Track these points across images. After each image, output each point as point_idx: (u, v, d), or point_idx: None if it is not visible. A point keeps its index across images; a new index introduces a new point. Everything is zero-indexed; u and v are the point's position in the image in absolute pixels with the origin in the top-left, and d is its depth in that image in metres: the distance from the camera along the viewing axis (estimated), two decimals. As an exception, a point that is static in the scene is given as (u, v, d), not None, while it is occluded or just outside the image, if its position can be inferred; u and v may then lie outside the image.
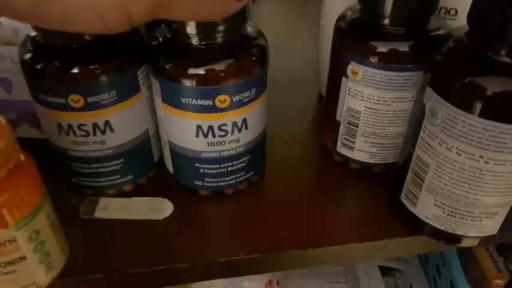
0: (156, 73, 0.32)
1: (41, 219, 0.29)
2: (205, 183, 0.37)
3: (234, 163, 0.36)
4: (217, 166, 0.36)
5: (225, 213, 0.37)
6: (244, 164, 0.36)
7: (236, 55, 0.31)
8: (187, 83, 0.31)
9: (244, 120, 0.33)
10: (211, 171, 0.36)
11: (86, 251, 0.34)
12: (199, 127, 0.33)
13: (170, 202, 0.37)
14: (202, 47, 0.31)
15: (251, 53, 0.32)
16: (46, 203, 0.29)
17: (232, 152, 0.35)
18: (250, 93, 0.32)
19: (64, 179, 0.37)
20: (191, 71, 0.31)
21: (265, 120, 0.37)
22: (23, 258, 0.29)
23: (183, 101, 0.32)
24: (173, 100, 0.32)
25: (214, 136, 0.33)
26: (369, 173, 0.40)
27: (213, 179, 0.36)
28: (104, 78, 0.31)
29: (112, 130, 0.34)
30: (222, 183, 0.37)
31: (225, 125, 0.33)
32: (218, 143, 0.34)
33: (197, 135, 0.33)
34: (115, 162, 0.36)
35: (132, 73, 0.33)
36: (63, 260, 0.32)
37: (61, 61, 0.31)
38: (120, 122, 0.34)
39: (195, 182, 0.37)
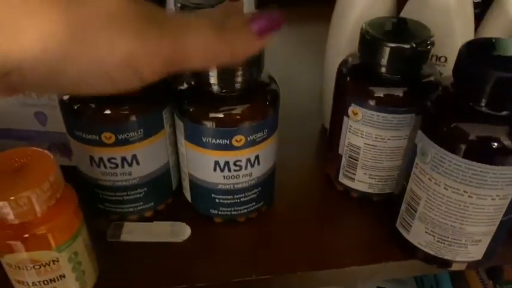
0: (180, 114, 0.37)
1: (79, 243, 0.33)
2: (219, 212, 0.41)
3: (246, 194, 0.40)
4: (231, 197, 0.40)
5: (237, 239, 0.41)
6: (256, 195, 0.40)
7: (251, 100, 0.36)
8: (208, 124, 0.35)
9: (257, 157, 0.38)
10: (225, 201, 0.40)
11: (113, 271, 0.38)
12: (216, 162, 0.37)
13: (188, 226, 0.41)
14: (222, 94, 0.35)
15: (265, 98, 0.37)
16: (83, 229, 0.33)
17: (245, 185, 0.39)
18: (263, 133, 0.37)
19: (92, 206, 0.41)
20: (212, 114, 0.35)
21: (275, 156, 0.41)
22: (62, 276, 0.33)
23: (204, 140, 0.36)
24: (195, 139, 0.36)
25: (229, 170, 0.38)
26: (368, 201, 0.44)
27: (227, 208, 0.40)
28: (133, 118, 0.36)
29: (138, 163, 0.38)
30: (234, 212, 0.41)
31: (240, 161, 0.37)
32: (233, 177, 0.38)
33: (215, 170, 0.38)
34: (139, 190, 0.40)
35: (157, 113, 0.37)
36: (94, 279, 0.36)
37: (95, 103, 0.35)
38: (145, 156, 0.38)
39: (210, 210, 0.41)
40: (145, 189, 0.40)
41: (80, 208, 0.33)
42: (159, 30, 0.22)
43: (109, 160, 0.37)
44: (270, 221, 0.43)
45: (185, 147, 0.38)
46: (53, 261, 0.31)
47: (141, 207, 0.41)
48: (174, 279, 0.37)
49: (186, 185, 0.42)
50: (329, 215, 0.44)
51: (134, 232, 0.41)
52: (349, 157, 0.42)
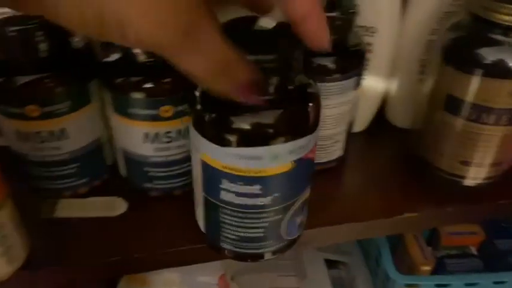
0: (106, 85, 0.36)
1: (4, 215, 0.32)
2: (154, 185, 0.41)
3: (181, 167, 0.40)
4: (165, 169, 0.40)
5: (174, 212, 0.41)
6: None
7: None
8: (134, 95, 0.35)
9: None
10: (159, 174, 0.40)
11: (46, 247, 0.37)
12: (146, 134, 0.37)
13: (124, 200, 0.41)
14: (149, 63, 0.35)
15: None
16: (9, 202, 0.33)
17: (178, 157, 0.39)
18: None
19: (25, 183, 0.41)
20: (138, 84, 0.35)
21: None
22: (-15, 250, 0.32)
23: (131, 111, 0.36)
24: (122, 110, 0.36)
25: (160, 142, 0.38)
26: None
27: (161, 181, 0.40)
28: (58, 89, 0.35)
29: (67, 137, 0.37)
30: (170, 185, 0.41)
31: (170, 132, 0.37)
32: (164, 149, 0.38)
33: (144, 142, 0.38)
34: (71, 166, 0.39)
35: (83, 85, 0.37)
36: (24, 254, 0.36)
37: (19, 74, 0.34)
38: (74, 130, 0.37)
39: (144, 184, 0.41)
40: (77, 164, 0.39)
41: (4, 181, 0.33)
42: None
43: (36, 134, 0.36)
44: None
45: (114, 119, 0.38)
46: (-26, 234, 0.31)
47: (75, 183, 0.40)
48: (108, 251, 0.37)
49: (119, 159, 0.42)
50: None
51: (68, 208, 0.40)
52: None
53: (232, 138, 0.29)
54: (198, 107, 0.30)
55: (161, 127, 0.37)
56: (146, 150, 0.38)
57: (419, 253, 0.58)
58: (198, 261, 0.40)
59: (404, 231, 0.59)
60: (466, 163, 0.41)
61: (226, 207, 0.32)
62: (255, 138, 0.29)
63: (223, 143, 0.29)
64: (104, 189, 0.42)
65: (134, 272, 0.39)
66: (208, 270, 0.59)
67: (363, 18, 0.42)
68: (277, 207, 0.32)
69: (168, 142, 0.38)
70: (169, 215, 0.41)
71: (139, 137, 0.37)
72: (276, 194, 0.31)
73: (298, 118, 0.30)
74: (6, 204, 0.33)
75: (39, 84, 0.35)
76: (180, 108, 0.36)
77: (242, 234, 0.33)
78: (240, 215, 0.32)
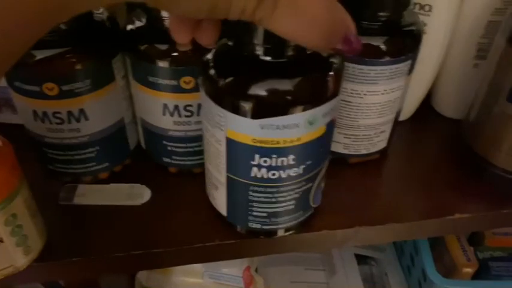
0: (127, 51, 0.34)
1: (18, 204, 0.29)
2: (172, 161, 0.38)
3: (200, 144, 0.37)
4: (184, 145, 0.37)
5: (198, 198, 0.38)
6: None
7: None
8: (153, 61, 0.32)
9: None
10: (178, 150, 0.37)
11: (64, 236, 0.35)
12: (165, 106, 0.34)
13: (148, 188, 0.38)
14: None
15: None
16: (23, 188, 0.30)
17: (198, 133, 0.36)
18: None
19: (42, 166, 0.38)
20: (157, 50, 0.32)
21: None
22: (0, 240, 0.29)
23: (150, 80, 0.33)
24: (141, 78, 0.34)
25: (180, 116, 0.35)
26: (343, 163, 0.41)
27: (180, 157, 0.38)
28: (78, 66, 0.32)
29: (86, 118, 0.34)
30: (189, 162, 0.38)
31: (191, 106, 0.34)
32: (184, 123, 0.35)
33: (164, 114, 0.35)
34: (90, 149, 0.36)
35: (106, 61, 0.33)
36: (40, 244, 0.33)
37: (35, 49, 0.31)
38: (95, 111, 0.34)
39: (163, 158, 0.38)
40: (97, 148, 0.36)
41: (18, 166, 0.30)
42: None
43: (54, 114, 0.33)
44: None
45: (134, 87, 0.35)
46: (-15, 224, 0.28)
47: (94, 168, 0.37)
48: (129, 244, 0.34)
49: (140, 130, 0.39)
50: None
51: (88, 195, 0.38)
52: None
53: (263, 107, 0.26)
54: (212, 73, 0.27)
55: (181, 99, 0.34)
56: (165, 123, 0.35)
57: (461, 253, 0.54)
58: (226, 258, 0.36)
59: (452, 233, 0.55)
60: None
61: (257, 184, 0.30)
62: (291, 104, 0.26)
63: (255, 114, 0.26)
64: (126, 175, 0.39)
65: (158, 266, 0.36)
66: (233, 262, 0.56)
67: (418, -6, 0.37)
68: (308, 176, 0.31)
69: (188, 116, 0.35)
70: (193, 200, 0.38)
71: (159, 108, 0.34)
72: (309, 162, 0.30)
73: (331, 79, 0.28)
74: (21, 192, 0.30)
75: (57, 60, 0.31)
76: None
77: (272, 210, 0.32)
78: (271, 190, 0.31)
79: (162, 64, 0.32)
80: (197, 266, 0.56)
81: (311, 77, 0.27)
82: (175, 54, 0.32)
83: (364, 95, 0.36)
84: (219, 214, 0.35)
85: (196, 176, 0.39)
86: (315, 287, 0.62)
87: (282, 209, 0.32)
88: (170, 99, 0.34)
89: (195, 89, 0.33)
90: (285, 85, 0.26)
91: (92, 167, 0.37)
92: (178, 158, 0.38)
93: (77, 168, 0.37)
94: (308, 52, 0.27)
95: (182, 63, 0.32)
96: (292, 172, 0.30)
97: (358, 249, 0.64)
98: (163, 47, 0.32)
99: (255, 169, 0.29)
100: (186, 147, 0.37)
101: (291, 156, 0.29)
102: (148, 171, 0.40)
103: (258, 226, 0.33)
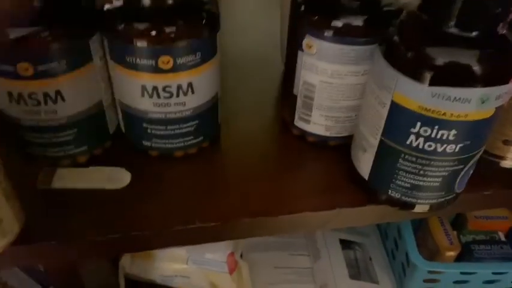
0: (104, 31, 0.33)
1: (-9, 187, 0.29)
2: (153, 144, 0.38)
3: (180, 126, 0.36)
4: (164, 127, 0.36)
5: (179, 180, 0.38)
6: (193, 128, 0.37)
7: (182, 17, 0.32)
8: (129, 40, 0.31)
9: (190, 85, 0.34)
10: (158, 132, 0.37)
11: (43, 220, 0.34)
12: (144, 87, 0.34)
13: (128, 172, 0.37)
14: (150, 6, 0.31)
15: (199, 16, 0.33)
16: (-2, 172, 0.29)
17: (178, 115, 0.36)
18: (195, 57, 0.33)
19: (19, 150, 0.37)
20: (134, 29, 0.31)
21: (216, 87, 0.37)
22: (-27, 224, 0.29)
23: (128, 60, 0.32)
24: (119, 58, 0.33)
25: (159, 97, 0.34)
26: (324, 145, 0.41)
27: (160, 140, 0.37)
28: (53, 46, 0.31)
29: (63, 99, 0.33)
30: (169, 145, 0.38)
31: (169, 86, 0.34)
32: (163, 105, 0.35)
33: (142, 95, 0.34)
34: (68, 132, 0.35)
35: (83, 41, 0.33)
36: (17, 228, 0.32)
37: (9, 27, 0.30)
38: (72, 92, 0.34)
39: (143, 142, 0.38)
40: (75, 130, 0.36)
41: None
42: None
43: (29, 96, 0.33)
44: (213, 159, 0.40)
45: (112, 68, 0.34)
46: (-43, 206, 0.27)
47: (72, 152, 0.37)
48: (109, 226, 0.34)
49: (119, 113, 0.38)
50: (281, 159, 0.41)
51: (67, 178, 0.37)
52: (304, 97, 0.38)
53: (442, 75, 0.27)
54: (396, 37, 0.28)
55: (160, 80, 0.33)
56: (144, 105, 0.35)
57: (444, 237, 0.54)
58: (208, 241, 0.36)
59: (431, 215, 0.55)
60: (508, 142, 0.37)
61: (410, 152, 0.31)
62: (470, 77, 0.27)
63: (429, 80, 0.27)
64: (105, 158, 0.39)
65: (138, 250, 0.36)
66: (217, 247, 0.56)
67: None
68: (462, 157, 0.31)
69: (168, 98, 0.34)
70: (175, 185, 0.37)
71: (137, 89, 0.34)
72: (467, 142, 0.30)
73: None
74: (-5, 174, 0.29)
75: (32, 39, 0.30)
76: (182, 60, 0.32)
77: (417, 182, 0.32)
78: (423, 162, 0.31)
79: (140, 44, 0.31)
80: (181, 252, 0.55)
81: (496, 56, 0.27)
82: (153, 33, 0.31)
83: (346, 75, 0.36)
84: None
85: (177, 160, 0.39)
86: (299, 272, 0.62)
87: (427, 184, 0.32)
88: (148, 80, 0.33)
89: (174, 69, 0.32)
90: (468, 57, 0.27)
91: (70, 150, 0.37)
92: (158, 140, 0.37)
93: (55, 151, 0.36)
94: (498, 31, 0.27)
95: (160, 43, 0.31)
96: (449, 148, 0.30)
97: (342, 234, 0.64)
98: (141, 25, 0.31)
99: (412, 137, 0.30)
100: (166, 130, 0.36)
101: (453, 131, 0.29)
102: (128, 155, 0.39)
103: (397, 195, 0.34)
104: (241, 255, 0.60)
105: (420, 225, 0.57)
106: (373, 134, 0.33)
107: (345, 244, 0.64)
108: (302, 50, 0.36)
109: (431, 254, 0.55)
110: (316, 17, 0.34)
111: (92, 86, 0.35)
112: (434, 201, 0.34)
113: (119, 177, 0.37)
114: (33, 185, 0.36)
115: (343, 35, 0.34)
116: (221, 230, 0.35)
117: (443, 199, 0.34)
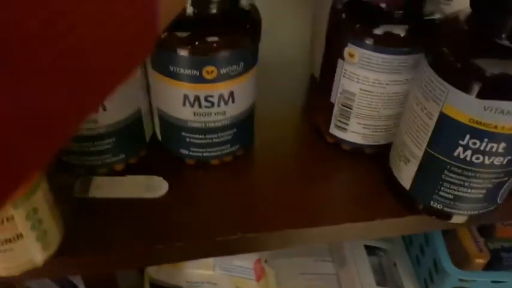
0: None
1: (38, 197, 0.29)
2: (190, 152, 0.38)
3: (219, 135, 0.36)
4: (203, 136, 0.36)
5: (217, 190, 0.38)
6: (230, 137, 0.37)
7: (227, 27, 0.32)
8: (175, 50, 0.31)
9: (232, 94, 0.34)
10: (196, 141, 0.37)
11: (82, 230, 0.34)
12: (186, 96, 0.33)
13: (165, 180, 0.37)
14: (195, 16, 0.31)
15: (243, 26, 0.32)
16: (43, 181, 0.29)
17: (218, 124, 0.35)
18: (239, 66, 0.33)
19: (55, 158, 0.37)
20: (180, 39, 0.31)
21: (254, 95, 0.37)
22: (20, 236, 0.28)
23: (171, 69, 0.32)
24: (162, 67, 0.33)
25: (200, 106, 0.34)
26: (360, 154, 0.41)
27: (198, 149, 0.37)
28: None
29: (104, 108, 0.33)
30: (207, 154, 0.38)
31: (212, 96, 0.33)
32: (204, 114, 0.34)
33: (184, 104, 0.34)
34: (107, 140, 0.35)
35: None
36: (59, 239, 0.32)
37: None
38: (112, 101, 0.33)
39: (181, 150, 0.38)
40: (114, 139, 0.35)
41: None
42: None
43: None
44: (248, 167, 0.40)
45: (152, 77, 0.34)
46: (7, 219, 0.27)
47: (110, 160, 0.37)
48: (148, 238, 0.34)
49: (156, 121, 0.38)
50: (317, 168, 0.41)
51: (104, 187, 0.37)
52: (342, 105, 0.38)
53: (495, 88, 0.27)
54: (445, 48, 0.28)
55: (203, 90, 0.33)
56: (185, 114, 0.35)
57: (473, 244, 0.54)
58: (248, 251, 0.36)
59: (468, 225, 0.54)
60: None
61: (457, 164, 0.31)
62: None
63: (482, 94, 0.27)
64: (141, 167, 0.39)
65: (178, 260, 0.35)
66: (244, 254, 0.56)
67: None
68: (509, 169, 0.31)
69: (209, 107, 0.34)
70: (212, 194, 0.37)
71: (179, 99, 0.34)
72: None
73: None
74: (41, 185, 0.29)
75: None
76: (225, 70, 0.32)
77: (461, 194, 0.32)
78: (469, 173, 0.31)
79: (184, 53, 0.31)
80: (208, 258, 0.55)
81: None
82: (198, 43, 0.31)
83: (387, 84, 0.35)
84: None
85: (213, 169, 0.38)
86: (324, 278, 0.61)
87: (471, 196, 0.32)
88: (191, 89, 0.33)
89: (217, 79, 0.32)
90: None
91: (107, 159, 0.36)
92: (196, 149, 0.37)
93: (92, 160, 0.36)
94: None
95: (206, 53, 0.31)
96: (497, 161, 0.30)
97: (366, 240, 0.64)
98: (186, 35, 0.31)
99: (460, 149, 0.30)
100: (205, 138, 0.36)
101: (502, 144, 0.29)
102: (164, 163, 0.39)
103: (439, 206, 0.33)
104: (265, 261, 0.60)
105: (447, 232, 0.57)
106: (417, 145, 0.32)
107: (370, 250, 0.63)
108: (343, 59, 0.36)
109: (460, 261, 0.54)
110: (358, 25, 0.34)
111: (131, 94, 0.35)
112: (474, 212, 0.34)
113: (156, 186, 0.37)
114: (69, 194, 0.36)
115: (387, 45, 0.33)
116: (261, 241, 0.35)
117: (484, 210, 0.34)
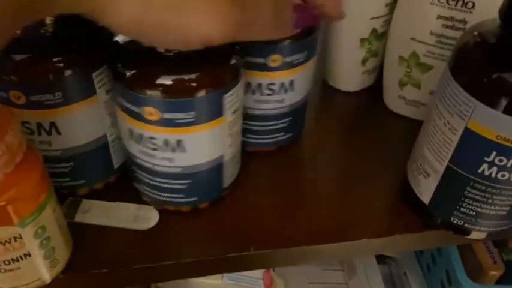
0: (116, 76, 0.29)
1: (46, 215, 0.27)
2: None
3: None
4: None
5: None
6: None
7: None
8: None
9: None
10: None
11: (90, 246, 0.33)
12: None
13: (156, 210, 0.35)
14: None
15: None
16: (52, 198, 0.28)
17: None
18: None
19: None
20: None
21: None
22: (27, 255, 0.27)
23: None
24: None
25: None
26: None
27: None
28: (49, 77, 0.28)
29: (59, 133, 0.31)
30: None
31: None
32: None
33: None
34: (64, 164, 0.33)
35: (85, 74, 0.30)
36: (67, 255, 0.31)
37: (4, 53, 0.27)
38: (68, 125, 0.31)
39: None
40: (71, 164, 0.33)
41: (47, 174, 0.28)
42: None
43: (23, 124, 0.30)
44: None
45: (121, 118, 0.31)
46: (15, 238, 0.26)
47: (68, 184, 0.34)
48: (156, 256, 0.32)
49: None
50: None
51: (92, 213, 0.34)
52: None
53: None
54: (472, 63, 0.27)
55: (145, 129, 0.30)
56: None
57: (488, 256, 0.52)
58: (261, 267, 0.35)
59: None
60: None
61: (480, 181, 0.30)
62: None
63: (510, 109, 0.26)
64: (106, 192, 0.36)
65: (189, 276, 0.34)
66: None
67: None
68: None
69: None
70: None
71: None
72: None
73: None
74: (50, 202, 0.28)
75: (24, 66, 0.28)
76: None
77: (484, 210, 0.31)
78: (493, 191, 0.30)
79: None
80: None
81: None
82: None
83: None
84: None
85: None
86: (333, 287, 0.60)
87: (494, 213, 0.31)
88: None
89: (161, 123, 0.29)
90: None
91: (66, 183, 0.34)
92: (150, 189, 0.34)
93: (53, 181, 0.32)
94: None
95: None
96: None
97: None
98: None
99: (485, 166, 0.29)
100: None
101: None
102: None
103: (460, 223, 0.33)
104: (273, 270, 0.59)
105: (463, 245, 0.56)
106: (438, 159, 0.31)
107: (380, 259, 0.62)
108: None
109: (473, 272, 0.53)
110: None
111: (94, 120, 0.32)
112: (495, 229, 0.33)
113: (146, 217, 0.34)
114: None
115: None
116: (275, 257, 0.34)
117: (506, 227, 0.33)
